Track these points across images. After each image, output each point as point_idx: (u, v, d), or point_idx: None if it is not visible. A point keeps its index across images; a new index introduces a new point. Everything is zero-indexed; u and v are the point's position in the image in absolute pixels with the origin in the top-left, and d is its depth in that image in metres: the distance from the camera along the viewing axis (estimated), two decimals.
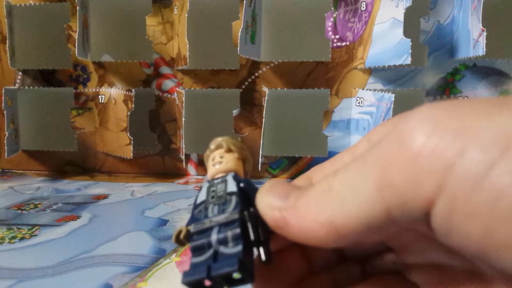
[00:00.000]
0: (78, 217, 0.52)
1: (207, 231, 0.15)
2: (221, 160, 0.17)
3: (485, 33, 0.54)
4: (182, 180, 0.73)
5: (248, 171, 0.18)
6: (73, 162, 0.78)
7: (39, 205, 0.57)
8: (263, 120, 0.66)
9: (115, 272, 0.37)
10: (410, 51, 0.57)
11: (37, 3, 0.72)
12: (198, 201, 0.17)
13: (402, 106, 0.58)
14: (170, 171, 0.77)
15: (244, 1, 0.60)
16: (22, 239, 0.45)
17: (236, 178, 0.16)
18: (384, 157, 0.12)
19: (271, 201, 0.14)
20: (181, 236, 0.16)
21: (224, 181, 0.16)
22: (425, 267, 0.15)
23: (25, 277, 0.37)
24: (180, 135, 0.73)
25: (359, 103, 0.69)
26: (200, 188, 0.17)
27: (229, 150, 0.17)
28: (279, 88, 0.71)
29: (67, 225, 0.49)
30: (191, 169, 0.76)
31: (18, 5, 0.71)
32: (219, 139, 0.18)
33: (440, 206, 0.11)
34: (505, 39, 0.61)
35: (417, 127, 0.11)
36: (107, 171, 0.78)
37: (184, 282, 0.15)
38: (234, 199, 0.15)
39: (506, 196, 0.10)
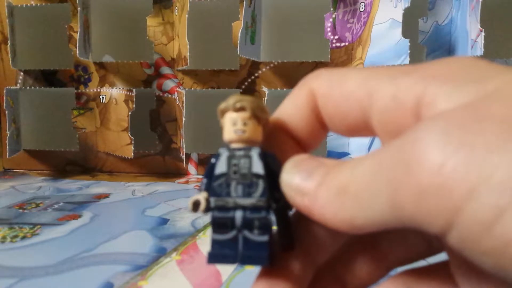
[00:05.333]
0: (79, 216, 0.53)
1: (229, 210, 0.15)
2: (244, 129, 0.16)
3: (483, 34, 0.55)
4: (182, 180, 0.73)
5: (266, 128, 0.17)
6: (74, 161, 0.79)
7: (40, 204, 0.58)
8: None
9: (116, 270, 0.38)
10: (409, 51, 0.57)
11: (39, 4, 0.73)
12: (218, 171, 0.16)
13: None
14: (170, 171, 0.77)
15: (244, 2, 0.60)
16: (23, 238, 0.46)
17: (262, 155, 0.16)
18: (393, 179, 0.12)
19: (294, 182, 0.14)
20: (201, 208, 0.16)
21: (248, 156, 0.16)
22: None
23: (26, 276, 0.37)
24: (181, 134, 0.73)
25: None
26: (218, 155, 0.16)
27: (254, 116, 0.16)
28: (278, 88, 0.71)
29: (68, 224, 0.50)
30: (192, 168, 0.77)
31: (19, 5, 0.71)
32: (243, 100, 0.16)
33: (451, 239, 0.11)
34: (503, 40, 0.61)
35: (426, 152, 0.11)
36: (108, 170, 0.78)
37: (210, 263, 0.15)
38: (261, 183, 0.15)
39: None
